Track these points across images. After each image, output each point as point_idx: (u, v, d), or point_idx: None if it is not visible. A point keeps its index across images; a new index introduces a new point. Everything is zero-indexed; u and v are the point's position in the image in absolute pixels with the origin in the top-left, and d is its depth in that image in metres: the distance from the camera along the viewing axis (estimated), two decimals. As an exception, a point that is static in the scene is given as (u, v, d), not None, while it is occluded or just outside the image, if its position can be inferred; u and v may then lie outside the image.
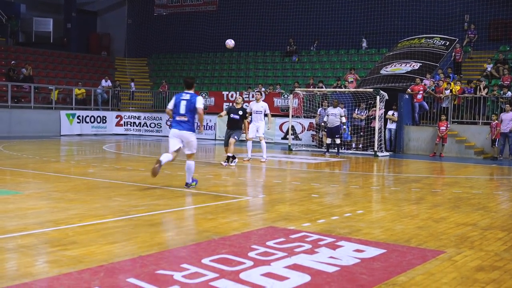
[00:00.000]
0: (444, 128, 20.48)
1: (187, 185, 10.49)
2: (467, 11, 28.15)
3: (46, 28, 35.86)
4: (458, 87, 21.77)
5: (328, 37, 32.23)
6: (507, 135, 19.73)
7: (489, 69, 24.25)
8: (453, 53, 25.59)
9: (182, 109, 10.13)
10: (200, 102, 10.09)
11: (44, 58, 33.16)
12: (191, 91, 10.38)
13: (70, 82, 31.32)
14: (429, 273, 5.25)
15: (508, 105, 19.98)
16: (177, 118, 10.22)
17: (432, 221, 7.91)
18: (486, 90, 21.54)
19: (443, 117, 20.81)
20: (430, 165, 17.92)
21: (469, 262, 5.72)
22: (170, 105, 10.35)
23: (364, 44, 31.74)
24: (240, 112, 15.17)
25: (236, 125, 15.16)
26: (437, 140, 20.70)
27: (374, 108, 20.47)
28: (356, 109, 21.95)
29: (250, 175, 13.84)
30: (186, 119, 10.14)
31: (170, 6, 38.74)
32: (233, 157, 14.83)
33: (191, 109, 10.13)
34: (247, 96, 26.94)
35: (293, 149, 21.83)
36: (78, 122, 27.42)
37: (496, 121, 19.94)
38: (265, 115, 16.55)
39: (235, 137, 14.89)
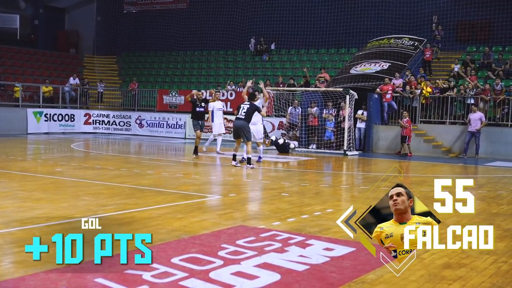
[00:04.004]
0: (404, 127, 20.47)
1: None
2: (435, 12, 28.52)
3: (12, 25, 35.22)
4: (430, 89, 22.02)
5: (299, 36, 32.31)
6: (474, 135, 20.07)
7: (456, 69, 24.59)
8: (424, 52, 25.92)
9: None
10: None
11: (10, 55, 32.59)
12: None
13: (37, 79, 30.84)
14: (398, 271, 5.29)
15: (473, 106, 20.41)
16: None
17: (400, 219, 7.97)
18: (454, 90, 21.85)
19: (404, 113, 20.85)
20: (399, 164, 18.10)
21: (436, 259, 5.79)
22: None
23: (252, 45, 32.96)
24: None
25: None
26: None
27: (344, 107, 20.60)
28: (325, 109, 22.04)
29: (220, 174, 13.81)
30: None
31: (139, 4, 38.43)
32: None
33: None
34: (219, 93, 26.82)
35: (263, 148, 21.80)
36: (45, 120, 27.01)
37: (407, 118, 20.33)
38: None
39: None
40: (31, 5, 36.66)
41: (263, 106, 15.89)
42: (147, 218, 7.50)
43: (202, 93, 17.55)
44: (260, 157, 15.83)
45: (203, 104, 17.41)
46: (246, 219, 7.66)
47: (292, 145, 21.01)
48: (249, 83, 16.73)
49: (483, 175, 15.45)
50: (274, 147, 20.57)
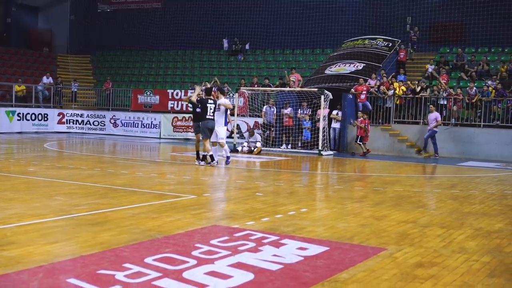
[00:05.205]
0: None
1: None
2: (409, 14, 28.83)
3: (-16, 23, 34.78)
4: (404, 88, 22.25)
5: (274, 37, 32.39)
6: (430, 132, 20.53)
7: (430, 70, 24.85)
8: (398, 52, 26.18)
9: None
10: None
11: (-18, 54, 32.18)
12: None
13: (10, 78, 30.45)
14: (371, 270, 5.33)
15: (431, 106, 20.78)
16: None
17: (374, 219, 8.04)
18: (428, 91, 22.11)
19: (359, 114, 21.12)
20: (372, 164, 18.24)
21: (409, 258, 5.84)
22: None
23: (225, 45, 33.63)
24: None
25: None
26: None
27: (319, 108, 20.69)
28: (300, 109, 22.10)
29: (194, 174, 13.76)
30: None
31: (114, 3, 38.16)
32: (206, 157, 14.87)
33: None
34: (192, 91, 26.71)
35: (238, 148, 21.79)
36: (18, 120, 26.68)
37: (362, 119, 20.67)
38: None
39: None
40: (3, 3, 36.16)
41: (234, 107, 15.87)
42: (121, 218, 7.45)
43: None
44: (228, 157, 15.31)
45: None
46: (220, 219, 7.65)
47: (258, 144, 20.72)
48: (198, 89, 15.40)
49: (455, 174, 15.62)
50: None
